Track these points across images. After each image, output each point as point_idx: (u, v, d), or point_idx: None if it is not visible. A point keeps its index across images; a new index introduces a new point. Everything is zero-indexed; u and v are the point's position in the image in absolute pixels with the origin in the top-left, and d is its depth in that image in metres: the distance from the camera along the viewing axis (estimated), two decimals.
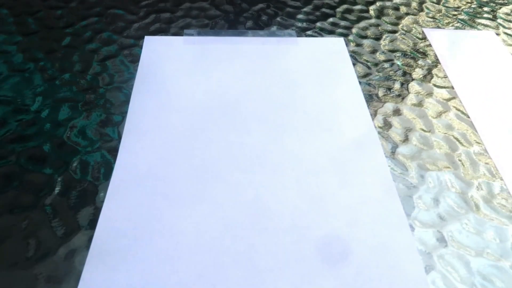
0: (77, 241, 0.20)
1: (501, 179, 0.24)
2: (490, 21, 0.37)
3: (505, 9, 0.38)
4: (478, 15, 0.37)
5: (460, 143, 0.26)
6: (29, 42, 0.30)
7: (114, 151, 0.24)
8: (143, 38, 0.31)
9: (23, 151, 0.23)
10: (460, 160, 0.25)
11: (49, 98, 0.26)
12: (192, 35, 0.32)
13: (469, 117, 0.28)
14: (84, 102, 0.26)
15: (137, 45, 0.30)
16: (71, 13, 0.32)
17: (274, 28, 0.33)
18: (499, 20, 0.37)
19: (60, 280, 0.19)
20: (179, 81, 0.28)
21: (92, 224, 0.21)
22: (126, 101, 0.26)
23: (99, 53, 0.29)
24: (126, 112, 0.26)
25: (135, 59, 0.29)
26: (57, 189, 0.22)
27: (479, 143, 0.26)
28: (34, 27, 0.31)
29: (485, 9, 0.38)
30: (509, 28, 0.36)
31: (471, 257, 0.21)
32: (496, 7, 0.39)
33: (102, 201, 0.21)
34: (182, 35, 0.32)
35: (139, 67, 0.29)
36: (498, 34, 0.35)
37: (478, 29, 0.36)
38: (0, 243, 0.20)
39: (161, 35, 0.31)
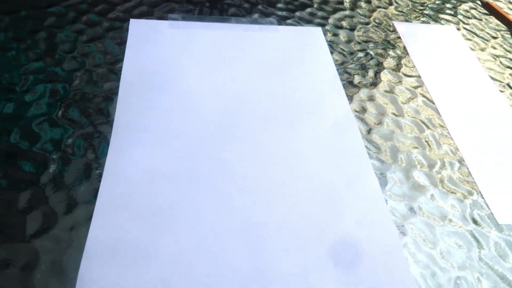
0: (77, 216, 0.21)
1: (462, 158, 0.27)
2: (452, 16, 0.40)
3: (464, 6, 0.42)
4: (441, 11, 0.40)
5: (427, 126, 0.29)
6: (11, 21, 0.29)
7: (107, 130, 0.24)
8: (128, 20, 0.31)
9: (14, 130, 0.23)
10: (426, 141, 0.28)
11: (36, 78, 0.26)
12: (177, 19, 0.32)
13: (434, 103, 0.31)
14: (73, 83, 0.26)
15: (122, 27, 0.31)
16: None
17: (255, 15, 0.34)
18: (459, 16, 0.40)
19: (62, 253, 0.19)
20: (167, 64, 0.29)
21: (92, 199, 0.21)
22: (116, 81, 0.27)
23: (85, 34, 0.29)
24: (116, 93, 0.26)
25: (122, 42, 0.30)
26: (52, 167, 0.22)
27: (442, 126, 0.29)
28: (15, 6, 0.30)
29: (448, 5, 0.41)
30: (468, 24, 0.40)
31: (437, 224, 0.24)
32: (457, 4, 0.42)
33: (99, 177, 0.22)
34: (167, 19, 0.32)
35: (127, 49, 0.29)
36: (458, 29, 0.39)
37: (442, 24, 0.39)
38: (0, 218, 0.20)
39: (146, 18, 0.32)
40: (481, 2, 0.36)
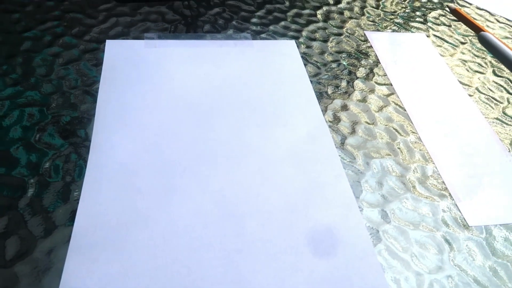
0: (55, 238, 0.21)
1: (433, 163, 0.28)
2: (422, 24, 0.41)
3: (434, 14, 0.43)
4: (411, 19, 0.42)
5: (399, 133, 0.30)
6: None
7: (84, 152, 0.25)
8: (104, 42, 0.32)
9: None
10: (399, 148, 0.29)
11: (14, 103, 0.26)
12: (152, 38, 0.33)
13: (405, 110, 0.32)
14: (51, 106, 0.27)
15: (99, 48, 0.31)
16: (28, 17, 0.32)
17: (230, 31, 0.35)
18: (429, 24, 0.42)
19: (42, 276, 0.20)
20: (143, 82, 0.29)
21: (69, 221, 0.22)
22: (93, 103, 0.27)
23: (61, 57, 0.30)
24: (93, 114, 0.27)
25: (98, 63, 0.30)
26: (30, 191, 0.23)
27: (414, 132, 0.30)
28: None
29: (417, 13, 0.43)
30: (437, 31, 0.41)
31: (409, 230, 0.24)
32: (427, 11, 0.43)
33: (77, 199, 0.23)
34: (143, 39, 0.33)
35: (103, 70, 0.30)
36: (428, 36, 0.40)
37: (412, 32, 0.40)
38: None
39: (122, 38, 0.33)
40: (449, 8, 0.37)
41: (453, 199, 0.26)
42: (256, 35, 0.35)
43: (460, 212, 0.26)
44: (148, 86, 0.29)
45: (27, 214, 0.22)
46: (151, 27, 0.34)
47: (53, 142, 0.25)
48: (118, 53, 0.31)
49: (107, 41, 0.32)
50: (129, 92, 0.29)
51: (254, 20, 0.37)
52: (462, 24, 0.43)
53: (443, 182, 0.27)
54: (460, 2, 0.46)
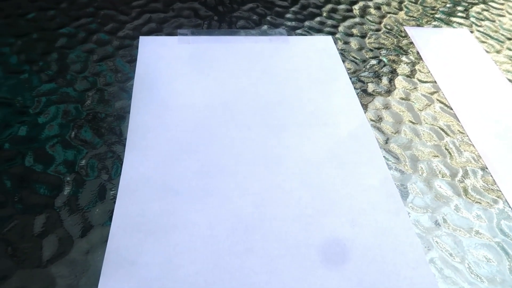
0: (92, 238, 0.20)
1: (484, 165, 0.26)
2: (464, 19, 0.39)
3: (476, 8, 0.41)
4: (453, 14, 0.40)
5: (446, 133, 0.28)
6: (23, 43, 0.29)
7: (120, 150, 0.24)
8: (138, 38, 0.31)
9: (28, 153, 0.23)
10: (446, 149, 0.27)
11: (49, 100, 0.26)
12: (186, 34, 0.32)
13: (452, 109, 0.30)
14: (85, 103, 0.26)
15: (132, 45, 0.31)
16: (62, 14, 0.32)
17: (265, 27, 0.34)
18: (471, 19, 0.40)
19: (79, 277, 0.19)
20: (177, 79, 0.29)
21: (106, 221, 0.21)
22: (128, 100, 0.27)
23: (95, 54, 0.29)
24: (128, 112, 0.26)
25: (132, 59, 0.30)
26: (66, 189, 0.22)
27: (462, 132, 0.28)
28: (27, 28, 0.30)
29: (459, 8, 0.41)
30: (480, 26, 0.39)
31: (463, 237, 0.23)
32: (469, 6, 0.41)
33: (113, 199, 0.22)
34: (176, 35, 0.32)
35: (137, 67, 0.29)
36: (472, 32, 0.38)
37: (454, 27, 0.38)
38: (16, 244, 0.20)
39: (155, 35, 0.32)
40: None
41: (508, 204, 0.24)
42: (291, 31, 0.34)
43: None
44: (182, 83, 0.28)
45: (63, 213, 0.21)
46: (184, 23, 0.33)
47: (89, 140, 0.24)
48: (151, 49, 0.30)
49: (140, 37, 0.31)
50: (163, 89, 0.28)
51: (288, 15, 0.36)
52: (502, 21, 0.40)
53: (497, 185, 0.25)
54: None
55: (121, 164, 0.23)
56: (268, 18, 0.35)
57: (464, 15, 0.40)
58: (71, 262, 0.20)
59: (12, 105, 0.25)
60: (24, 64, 0.28)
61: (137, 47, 0.31)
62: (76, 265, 0.19)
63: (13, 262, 0.19)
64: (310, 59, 0.32)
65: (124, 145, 0.24)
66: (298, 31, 0.35)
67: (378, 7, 0.39)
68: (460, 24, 0.39)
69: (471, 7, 0.41)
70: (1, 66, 0.27)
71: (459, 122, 0.29)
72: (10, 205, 0.21)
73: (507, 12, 0.41)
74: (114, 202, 0.22)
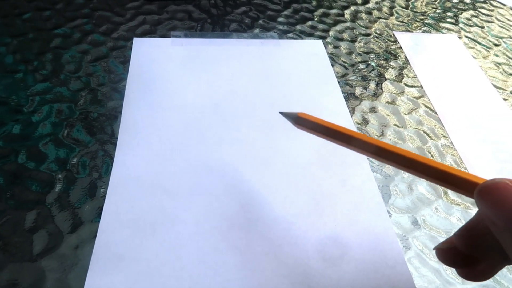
0: (82, 234, 0.21)
1: (465, 168, 0.27)
2: (453, 25, 0.40)
3: (466, 14, 0.42)
4: (442, 20, 0.41)
5: (430, 137, 0.29)
6: (19, 43, 0.30)
7: (111, 149, 0.25)
8: (132, 39, 0.32)
9: (22, 150, 0.24)
10: (430, 152, 0.28)
11: (43, 99, 0.27)
12: (179, 37, 0.33)
13: (436, 113, 0.31)
14: (79, 102, 0.27)
15: (126, 46, 0.31)
16: (58, 15, 0.33)
17: (257, 30, 0.35)
18: (460, 25, 0.40)
19: (68, 271, 0.20)
20: (169, 81, 0.29)
21: (96, 217, 0.22)
22: (120, 100, 0.27)
23: (90, 54, 0.30)
24: (120, 112, 0.27)
25: (125, 60, 0.30)
26: (58, 186, 0.23)
27: (445, 136, 0.29)
28: (23, 28, 0.31)
29: (449, 14, 0.41)
30: (469, 32, 0.40)
31: (441, 237, 0.23)
32: (458, 12, 0.42)
33: (103, 196, 0.23)
34: (169, 37, 0.33)
35: (130, 68, 0.30)
36: (460, 38, 0.39)
37: (443, 33, 0.39)
38: (7, 238, 0.20)
39: (149, 36, 0.33)
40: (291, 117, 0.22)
41: None
42: (282, 35, 0.35)
43: None
44: (174, 84, 0.29)
45: (54, 209, 0.22)
46: (178, 26, 0.34)
47: (81, 138, 0.25)
48: (145, 51, 0.31)
49: (134, 39, 0.32)
50: (155, 90, 0.28)
51: (280, 19, 0.37)
52: (491, 28, 0.41)
53: None
54: (493, 3, 0.44)
55: (112, 163, 0.24)
56: (261, 21, 0.36)
57: (454, 21, 0.41)
58: (60, 257, 0.20)
59: (7, 104, 0.26)
60: (19, 64, 0.29)
61: (130, 48, 0.31)
62: (65, 259, 0.20)
63: (5, 255, 0.20)
64: (300, 62, 0.33)
65: (115, 144, 0.25)
66: (290, 34, 0.35)
67: (369, 12, 0.40)
68: (449, 29, 0.40)
69: (461, 13, 0.42)
70: None
71: (443, 126, 0.30)
72: (3, 200, 0.22)
73: (496, 18, 0.42)
74: (104, 199, 0.22)
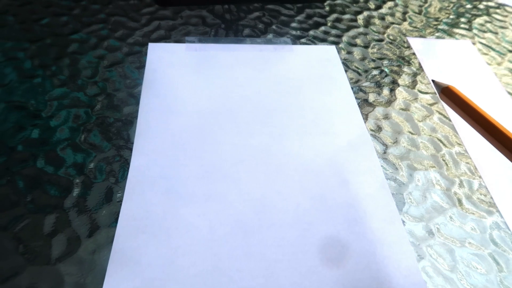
0: (99, 239, 0.21)
1: (480, 177, 0.27)
2: (467, 31, 0.40)
3: (479, 20, 0.42)
4: (456, 26, 0.40)
5: (444, 144, 0.29)
6: (37, 48, 0.30)
7: (127, 154, 0.25)
8: (147, 44, 0.32)
9: (40, 155, 0.24)
10: (444, 160, 0.28)
11: (61, 104, 0.27)
12: (193, 42, 0.33)
13: (450, 121, 0.30)
14: (95, 107, 0.27)
15: (141, 51, 0.32)
16: (75, 20, 0.33)
17: (270, 35, 0.35)
18: (474, 31, 0.40)
19: (86, 276, 0.20)
20: (184, 86, 0.30)
21: (112, 222, 0.22)
22: (136, 105, 0.28)
23: (106, 60, 0.31)
24: (136, 117, 0.27)
25: (141, 66, 0.31)
26: (75, 191, 0.23)
27: (460, 144, 0.29)
28: (41, 33, 0.32)
29: (462, 19, 0.41)
30: (483, 38, 0.39)
31: (455, 246, 0.23)
32: (472, 18, 0.42)
33: (120, 201, 0.23)
34: (184, 42, 0.33)
35: (145, 73, 0.30)
36: (474, 44, 0.39)
37: (456, 39, 0.39)
38: (27, 242, 0.21)
39: (164, 42, 0.33)
40: (437, 86, 0.22)
41: (501, 216, 0.25)
42: (296, 40, 0.35)
43: (509, 230, 0.24)
44: (189, 89, 0.29)
45: (72, 214, 0.22)
46: (192, 31, 0.34)
47: (98, 143, 0.25)
48: (160, 56, 0.32)
49: (149, 44, 0.32)
50: (170, 95, 0.29)
51: (293, 24, 0.37)
52: (505, 34, 0.41)
53: (491, 197, 0.26)
54: (508, 9, 0.44)
55: (128, 168, 0.24)
56: (274, 26, 0.36)
57: (467, 27, 0.40)
58: (78, 261, 0.21)
59: (25, 109, 0.27)
60: (38, 69, 0.29)
61: (145, 54, 0.32)
62: (83, 264, 0.20)
63: (24, 259, 0.20)
64: (314, 68, 0.33)
65: (131, 149, 0.25)
66: (303, 40, 0.35)
67: (382, 18, 0.40)
68: (463, 35, 0.39)
69: (474, 18, 0.42)
70: (16, 71, 0.29)
71: (457, 134, 0.30)
72: (22, 204, 0.22)
73: (510, 24, 0.42)
74: (120, 204, 0.23)
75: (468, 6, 0.43)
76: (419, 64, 0.35)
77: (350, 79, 0.32)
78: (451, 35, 0.39)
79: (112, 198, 0.23)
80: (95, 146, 0.25)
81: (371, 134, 0.29)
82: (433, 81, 0.21)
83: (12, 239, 0.21)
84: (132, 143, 0.26)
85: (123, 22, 0.34)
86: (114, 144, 0.26)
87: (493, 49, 0.38)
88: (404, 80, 0.33)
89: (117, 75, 0.30)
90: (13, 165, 0.24)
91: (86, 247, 0.21)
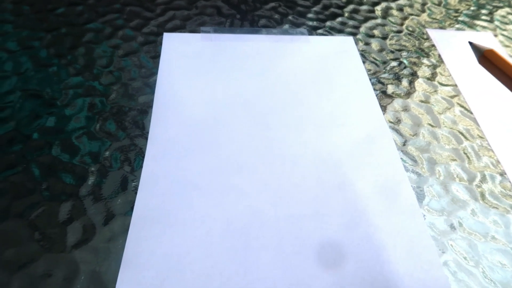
0: (114, 227, 0.21)
1: (503, 171, 0.26)
2: (488, 23, 0.39)
3: (501, 12, 0.40)
4: (477, 17, 0.39)
5: (465, 137, 0.28)
6: (52, 38, 0.30)
7: (142, 143, 0.25)
8: (162, 34, 0.32)
9: (56, 143, 0.24)
10: (465, 153, 0.27)
11: (76, 92, 0.27)
12: (208, 32, 0.33)
13: (472, 113, 0.30)
14: (110, 96, 0.27)
15: (156, 41, 0.32)
16: (90, 10, 0.33)
17: (286, 26, 0.35)
18: (496, 22, 0.39)
19: (101, 264, 0.20)
20: (199, 76, 0.29)
21: (128, 211, 0.22)
22: (151, 95, 0.27)
23: (121, 49, 0.30)
24: (151, 107, 0.27)
25: (156, 55, 0.30)
26: (91, 179, 0.23)
27: (482, 137, 0.28)
28: (56, 23, 0.32)
29: (483, 11, 0.40)
30: (505, 30, 0.38)
31: (478, 241, 0.23)
32: (493, 9, 0.41)
33: (135, 190, 0.23)
34: (199, 32, 0.33)
35: (160, 62, 0.30)
36: (495, 36, 0.37)
37: (477, 31, 0.38)
38: (43, 229, 0.21)
39: (179, 32, 0.33)
40: (477, 50, 0.22)
41: None
42: (312, 31, 0.34)
43: None
44: (204, 80, 0.29)
45: (87, 202, 0.22)
46: (207, 21, 0.34)
47: (113, 132, 0.25)
48: (175, 46, 0.31)
49: (164, 34, 0.32)
50: (185, 85, 0.28)
51: (310, 15, 0.36)
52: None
53: None
54: None
55: (143, 157, 0.24)
56: (290, 17, 0.36)
57: (489, 19, 0.39)
58: (93, 249, 0.20)
59: (41, 97, 0.26)
60: (53, 58, 0.29)
61: (161, 44, 0.31)
62: (98, 252, 0.20)
63: (40, 246, 0.20)
64: (331, 59, 0.32)
65: (147, 139, 0.25)
66: (319, 31, 0.35)
67: (400, 9, 0.39)
68: (484, 27, 0.38)
69: (496, 10, 0.41)
70: (32, 59, 0.29)
71: (479, 126, 0.29)
72: (37, 192, 0.22)
73: None
74: (136, 193, 0.23)
75: None
76: (439, 56, 0.34)
77: (368, 70, 0.32)
78: (471, 27, 0.38)
79: (127, 187, 0.23)
80: (110, 134, 0.25)
81: (390, 126, 0.28)
82: (470, 43, 0.20)
83: (28, 227, 0.21)
84: (147, 133, 0.25)
85: (138, 12, 0.34)
86: (129, 133, 0.25)
87: None
88: (423, 72, 0.32)
89: (132, 64, 0.29)
90: (29, 153, 0.24)
91: (101, 235, 0.21)
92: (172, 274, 0.20)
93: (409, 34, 0.36)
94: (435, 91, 0.31)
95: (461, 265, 0.22)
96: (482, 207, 0.24)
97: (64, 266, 0.20)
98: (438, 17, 0.38)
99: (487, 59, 0.18)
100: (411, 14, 0.38)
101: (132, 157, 0.24)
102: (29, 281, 0.19)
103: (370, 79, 0.31)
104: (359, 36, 0.35)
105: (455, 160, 0.26)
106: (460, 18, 0.39)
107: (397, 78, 0.31)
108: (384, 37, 0.35)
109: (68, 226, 0.21)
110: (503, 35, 0.38)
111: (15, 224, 0.21)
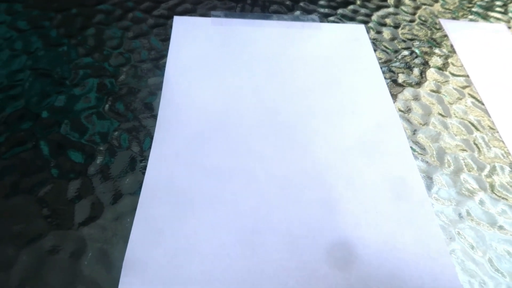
0: (122, 206, 0.21)
1: None
2: (502, 14, 0.38)
3: None
4: (490, 8, 0.39)
5: (475, 128, 0.28)
6: (63, 18, 0.30)
7: (151, 124, 0.25)
8: (172, 18, 0.32)
9: (65, 122, 0.24)
10: (475, 144, 0.27)
11: (85, 73, 0.27)
12: (219, 16, 0.33)
13: (483, 104, 0.29)
14: (120, 77, 0.27)
15: (166, 24, 0.31)
16: None
17: (297, 12, 0.34)
18: (510, 14, 0.38)
19: (109, 242, 0.20)
20: (209, 60, 0.29)
21: (136, 191, 0.22)
22: (160, 77, 0.27)
23: (131, 31, 0.30)
24: (160, 89, 0.27)
25: (166, 38, 0.30)
26: (99, 158, 0.23)
27: (493, 129, 0.28)
28: (67, 3, 0.31)
29: (497, 2, 0.39)
30: None
31: (486, 231, 0.22)
32: (508, 1, 0.40)
33: (143, 170, 0.23)
34: (209, 16, 0.32)
35: (170, 45, 0.29)
36: (509, 27, 0.37)
37: (491, 22, 0.37)
38: (51, 206, 0.21)
39: (189, 15, 0.32)
40: None
41: None
42: (323, 18, 0.34)
43: None
44: (214, 64, 0.29)
45: (96, 181, 0.22)
46: (218, 5, 0.34)
47: (122, 113, 0.25)
48: (185, 29, 0.31)
49: (174, 17, 0.32)
50: (195, 68, 0.28)
51: (322, 2, 0.36)
52: None
53: None
54: None
55: (152, 138, 0.24)
56: (301, 4, 0.35)
57: (503, 10, 0.39)
58: (101, 227, 0.20)
59: (51, 76, 0.26)
60: (63, 38, 0.29)
61: (171, 27, 0.31)
62: (106, 230, 0.20)
63: (47, 223, 0.20)
64: (342, 47, 0.32)
65: (155, 120, 0.25)
66: (331, 18, 0.34)
67: None
68: (498, 19, 0.38)
69: (510, 2, 0.40)
70: (42, 39, 0.29)
71: (490, 117, 0.28)
72: (46, 169, 0.22)
73: None
74: (144, 173, 0.23)
75: None
76: (451, 46, 0.34)
77: (379, 59, 0.31)
78: (485, 18, 0.37)
79: (135, 167, 0.23)
80: (119, 115, 0.25)
81: (400, 115, 0.28)
82: None
83: (36, 203, 0.21)
84: (156, 114, 0.25)
85: None
86: (138, 114, 0.25)
87: None
88: (435, 62, 0.32)
89: (142, 46, 0.29)
90: (39, 131, 0.24)
91: (109, 213, 0.21)
92: (179, 253, 0.20)
93: (422, 24, 0.35)
94: (447, 81, 0.31)
95: (468, 254, 0.21)
96: (491, 198, 0.24)
97: (71, 243, 0.20)
98: (451, 7, 0.38)
99: None
100: (424, 4, 0.38)
101: (141, 137, 0.24)
102: (37, 256, 0.19)
103: (381, 68, 0.31)
104: (370, 25, 0.34)
105: (465, 150, 0.26)
106: (473, 9, 0.38)
107: (408, 67, 0.31)
108: (396, 26, 0.35)
109: (77, 204, 0.21)
110: None
111: (24, 200, 0.21)
